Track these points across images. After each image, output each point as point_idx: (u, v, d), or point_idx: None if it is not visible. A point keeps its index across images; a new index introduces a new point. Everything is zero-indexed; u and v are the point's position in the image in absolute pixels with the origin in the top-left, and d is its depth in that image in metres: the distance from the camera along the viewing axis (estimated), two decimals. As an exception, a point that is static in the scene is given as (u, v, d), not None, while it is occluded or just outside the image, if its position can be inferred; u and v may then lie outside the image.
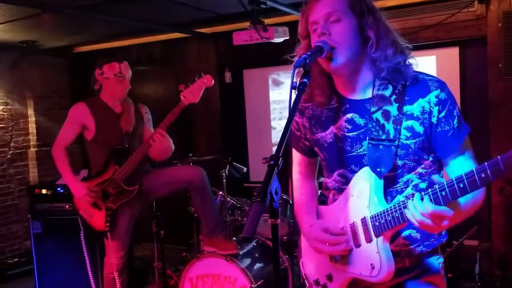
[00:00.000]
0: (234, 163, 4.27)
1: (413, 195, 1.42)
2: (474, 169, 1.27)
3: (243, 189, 4.88)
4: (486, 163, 1.25)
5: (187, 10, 4.28)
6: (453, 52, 4.39)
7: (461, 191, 1.32)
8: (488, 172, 1.24)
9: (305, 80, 1.44)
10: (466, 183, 1.29)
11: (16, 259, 5.55)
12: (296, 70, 1.46)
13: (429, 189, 1.38)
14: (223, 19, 4.75)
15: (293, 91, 1.43)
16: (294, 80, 1.43)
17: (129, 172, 3.31)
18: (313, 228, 1.71)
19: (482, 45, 4.18)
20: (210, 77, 3.30)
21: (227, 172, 4.07)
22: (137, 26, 4.85)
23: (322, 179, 1.90)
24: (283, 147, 1.32)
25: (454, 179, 1.33)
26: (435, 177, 1.40)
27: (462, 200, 1.41)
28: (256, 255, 3.70)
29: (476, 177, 1.27)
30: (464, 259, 4.11)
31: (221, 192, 4.04)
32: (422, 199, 1.38)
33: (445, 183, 1.35)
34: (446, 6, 4.19)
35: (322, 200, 1.87)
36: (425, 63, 4.43)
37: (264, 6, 3.65)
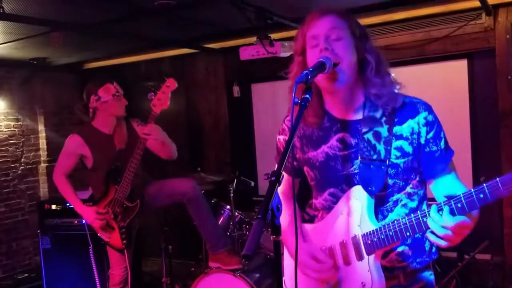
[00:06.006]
0: (241, 177, 4.26)
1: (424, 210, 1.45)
2: (472, 190, 1.29)
3: (251, 203, 4.85)
4: (485, 184, 1.26)
5: (196, 26, 4.32)
6: (462, 65, 4.35)
7: (459, 211, 1.34)
8: (487, 192, 1.26)
9: (307, 96, 1.43)
10: (464, 203, 1.32)
11: (26, 275, 5.55)
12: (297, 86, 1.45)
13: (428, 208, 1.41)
14: (231, 35, 4.78)
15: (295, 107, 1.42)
16: (296, 96, 1.43)
17: (129, 186, 3.30)
18: (299, 253, 1.67)
19: (491, 57, 4.15)
20: (173, 81, 3.26)
21: (234, 186, 4.06)
22: (146, 42, 4.90)
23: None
24: (284, 163, 1.32)
25: (451, 200, 1.35)
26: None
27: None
28: (265, 270, 3.66)
29: (475, 197, 1.29)
30: (476, 274, 4.05)
31: (228, 206, 4.03)
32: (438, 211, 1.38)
33: (442, 203, 1.37)
34: (454, 18, 4.17)
35: (309, 219, 1.86)
36: (433, 76, 4.39)
37: (270, 22, 3.66)
